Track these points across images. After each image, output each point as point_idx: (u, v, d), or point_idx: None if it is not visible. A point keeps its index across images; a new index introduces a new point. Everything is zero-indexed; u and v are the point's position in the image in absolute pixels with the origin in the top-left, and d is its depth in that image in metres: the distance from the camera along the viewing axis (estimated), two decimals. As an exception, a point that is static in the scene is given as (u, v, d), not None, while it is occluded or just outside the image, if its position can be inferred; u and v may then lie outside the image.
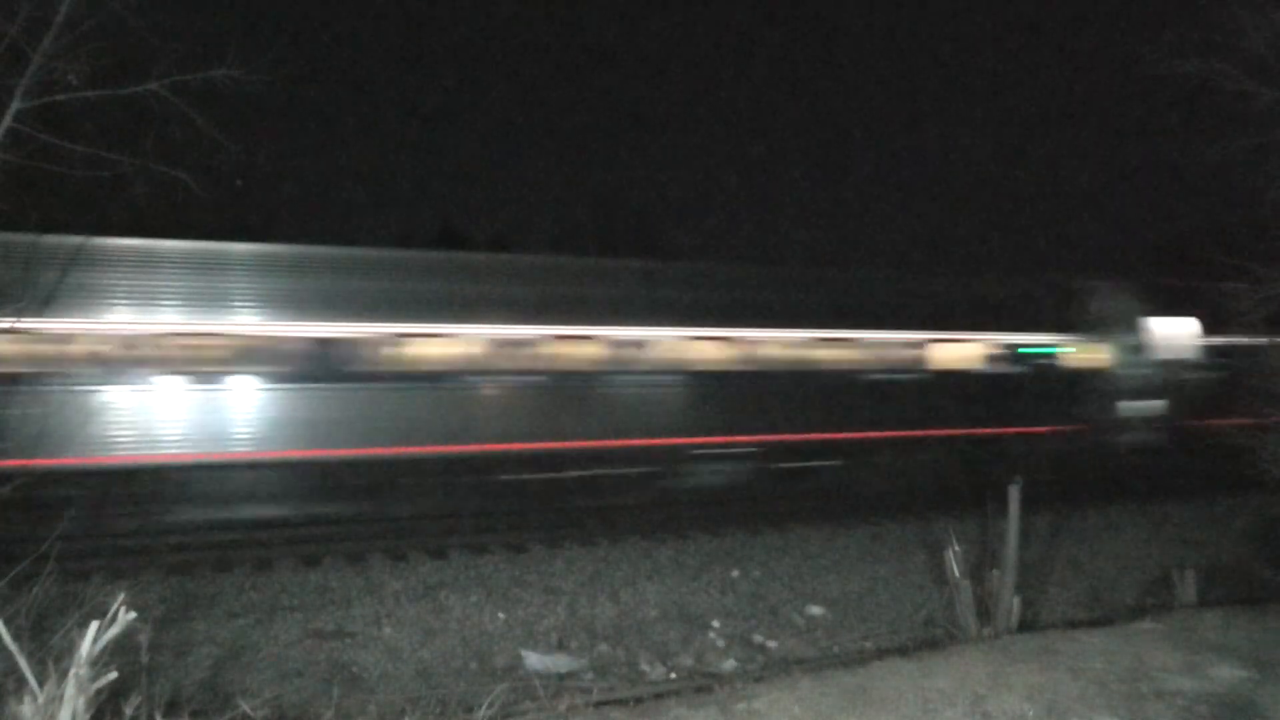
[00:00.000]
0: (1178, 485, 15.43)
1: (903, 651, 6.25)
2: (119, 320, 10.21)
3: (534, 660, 7.04)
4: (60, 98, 5.21)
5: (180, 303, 10.52)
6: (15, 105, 4.88)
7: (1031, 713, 4.59)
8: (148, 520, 10.95)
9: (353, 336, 11.08)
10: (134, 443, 10.33)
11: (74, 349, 10.06)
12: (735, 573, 9.46)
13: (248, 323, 10.75)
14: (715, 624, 8.00)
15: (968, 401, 14.54)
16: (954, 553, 6.46)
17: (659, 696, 5.60)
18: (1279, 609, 7.01)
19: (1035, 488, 7.87)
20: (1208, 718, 4.59)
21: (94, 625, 3.44)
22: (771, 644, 7.68)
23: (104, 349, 10.18)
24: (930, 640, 7.17)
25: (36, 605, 4.37)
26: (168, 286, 10.51)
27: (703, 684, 6.18)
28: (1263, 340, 10.70)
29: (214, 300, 10.65)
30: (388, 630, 7.57)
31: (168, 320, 10.41)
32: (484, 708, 4.73)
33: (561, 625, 7.86)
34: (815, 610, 8.46)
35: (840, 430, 13.80)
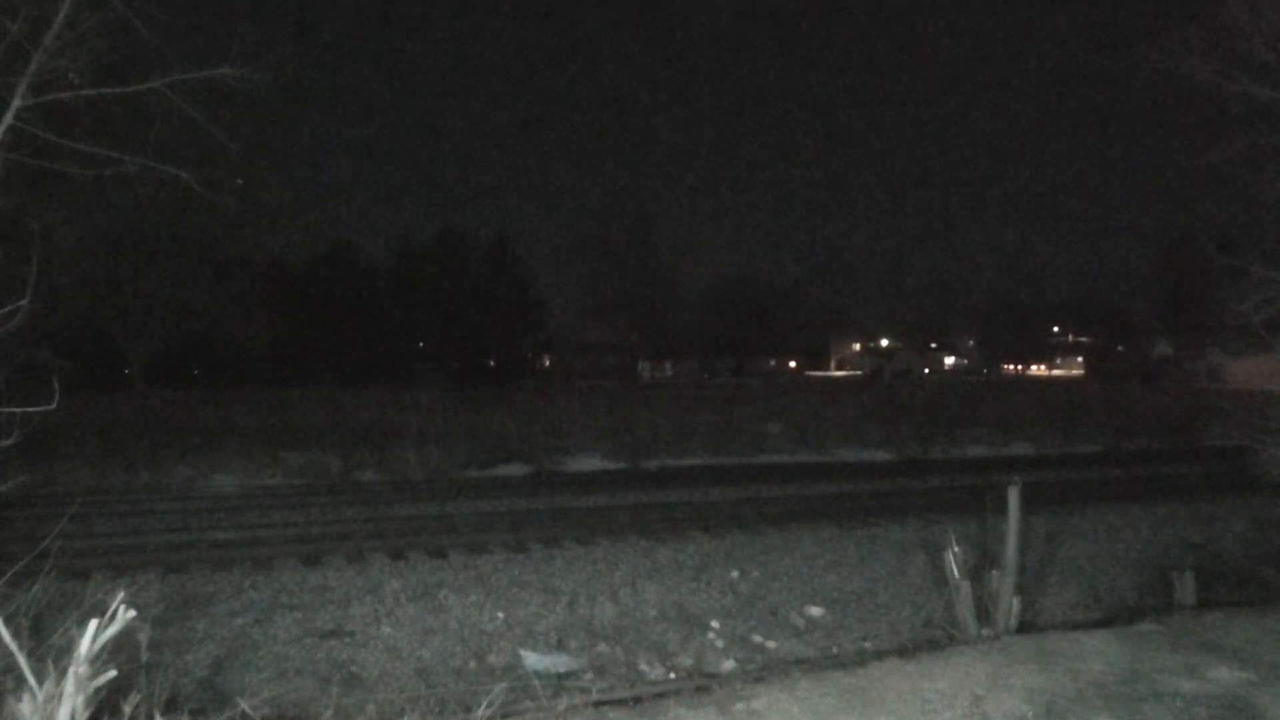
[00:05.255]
0: (1178, 485, 15.45)
1: (902, 652, 6.24)
2: None
3: (533, 660, 7.04)
4: (62, 96, 5.22)
5: None
6: (17, 103, 4.88)
7: (1030, 714, 4.59)
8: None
9: None
10: None
11: None
12: (735, 573, 9.46)
13: None
14: (714, 624, 8.00)
15: None
16: (953, 553, 6.46)
17: (658, 696, 5.60)
18: (1279, 610, 7.01)
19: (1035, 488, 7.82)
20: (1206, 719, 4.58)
21: (93, 623, 3.44)
22: (771, 644, 7.68)
23: None
24: (929, 641, 7.16)
25: (36, 603, 4.37)
26: None
27: (702, 684, 6.18)
28: None
29: None
30: (387, 629, 7.58)
31: None
32: (483, 707, 4.73)
33: (561, 625, 7.86)
34: (814, 611, 8.46)
35: None
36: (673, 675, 6.97)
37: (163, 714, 4.02)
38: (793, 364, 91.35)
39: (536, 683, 5.91)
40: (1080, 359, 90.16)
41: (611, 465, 19.64)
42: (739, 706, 4.72)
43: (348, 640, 7.32)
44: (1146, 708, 4.68)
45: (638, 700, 5.59)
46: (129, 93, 5.50)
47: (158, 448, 18.53)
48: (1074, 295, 79.59)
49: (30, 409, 4.40)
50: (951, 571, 6.44)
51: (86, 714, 3.41)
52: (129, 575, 8.81)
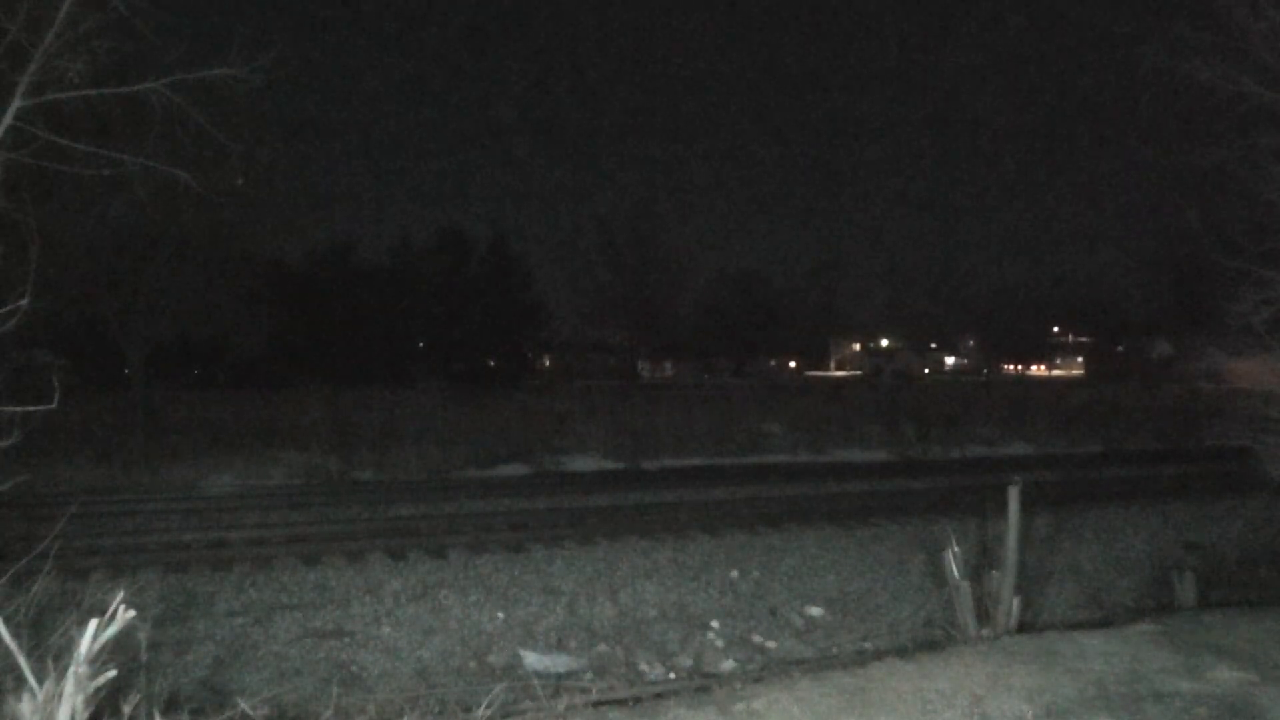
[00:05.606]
0: (1177, 485, 15.46)
1: (902, 652, 6.24)
2: None
3: (533, 660, 7.04)
4: (62, 96, 5.21)
5: None
6: (17, 103, 4.88)
7: (1030, 714, 4.59)
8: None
9: None
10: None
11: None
12: (735, 573, 9.46)
13: None
14: (714, 624, 8.01)
15: None
16: (953, 553, 6.46)
17: (658, 696, 5.60)
18: (1279, 610, 7.01)
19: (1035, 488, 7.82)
20: None
21: (93, 623, 3.44)
22: (771, 644, 7.68)
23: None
24: (929, 641, 7.17)
25: (35, 603, 4.37)
26: None
27: (702, 684, 6.18)
28: None
29: None
30: (387, 629, 7.58)
31: None
32: (483, 707, 4.73)
33: (560, 625, 7.86)
34: (814, 611, 8.46)
35: None
36: (673, 675, 6.98)
37: (163, 714, 4.02)
38: (793, 364, 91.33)
39: (536, 683, 5.91)
40: (1080, 359, 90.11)
41: (611, 465, 19.64)
42: (739, 706, 4.72)
43: (348, 640, 7.32)
44: (1146, 708, 4.68)
45: (638, 700, 5.59)
46: (129, 93, 5.50)
47: (157, 447, 18.53)
48: (1074, 295, 79.49)
49: (30, 409, 4.40)
50: (951, 571, 6.44)
51: (86, 714, 3.41)
52: (129, 575, 8.81)
